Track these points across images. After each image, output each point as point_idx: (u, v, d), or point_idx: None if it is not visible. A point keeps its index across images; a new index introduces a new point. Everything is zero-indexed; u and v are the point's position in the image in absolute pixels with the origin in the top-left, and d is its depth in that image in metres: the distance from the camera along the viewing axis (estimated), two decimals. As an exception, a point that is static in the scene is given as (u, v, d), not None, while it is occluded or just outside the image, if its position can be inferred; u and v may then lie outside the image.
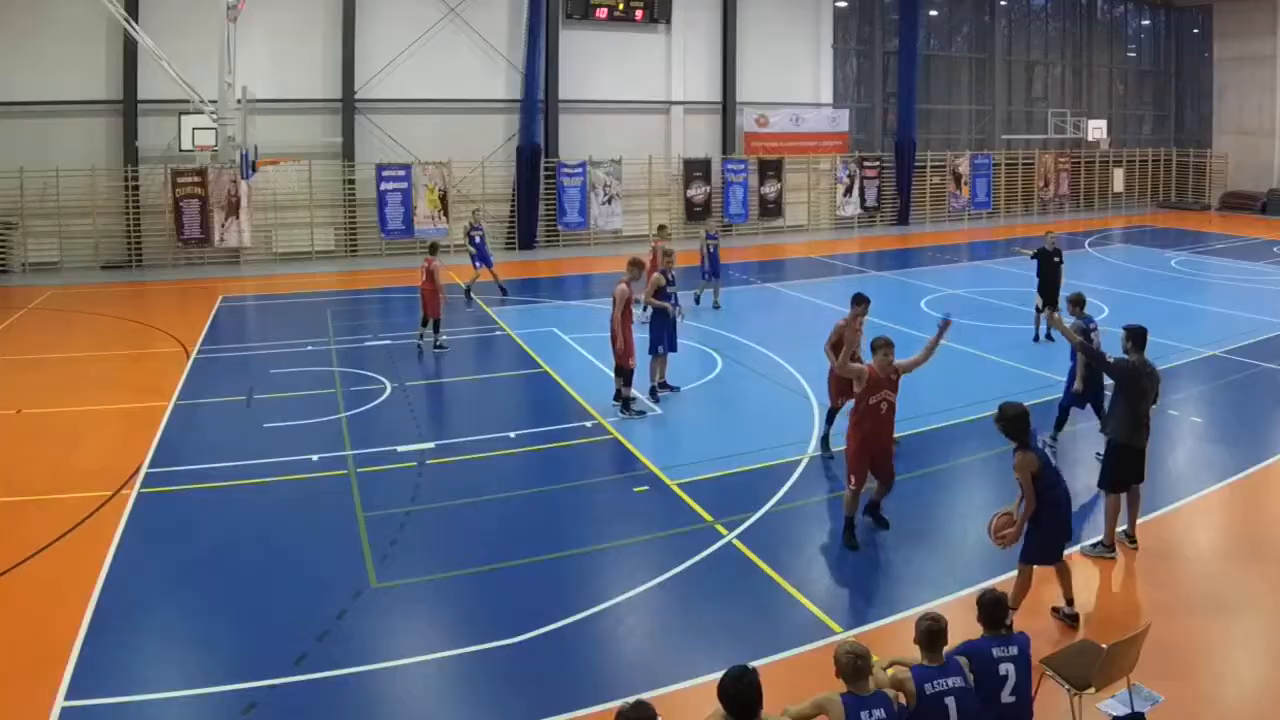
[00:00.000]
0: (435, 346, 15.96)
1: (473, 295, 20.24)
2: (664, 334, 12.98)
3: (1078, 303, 11.01)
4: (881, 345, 8.57)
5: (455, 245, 27.42)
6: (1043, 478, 6.96)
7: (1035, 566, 7.18)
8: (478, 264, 20.24)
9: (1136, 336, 8.47)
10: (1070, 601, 7.35)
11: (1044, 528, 7.04)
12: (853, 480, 8.54)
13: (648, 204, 29.97)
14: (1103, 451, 8.58)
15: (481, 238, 20.45)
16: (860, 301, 10.57)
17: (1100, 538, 8.35)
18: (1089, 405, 10.69)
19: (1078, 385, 10.61)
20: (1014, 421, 7.03)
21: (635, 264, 12.70)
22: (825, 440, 10.94)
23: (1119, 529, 8.43)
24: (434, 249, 16.64)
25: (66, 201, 23.73)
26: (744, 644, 6.94)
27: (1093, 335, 10.56)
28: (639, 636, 7.35)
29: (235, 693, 6.41)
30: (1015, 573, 7.22)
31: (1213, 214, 37.09)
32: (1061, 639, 6.85)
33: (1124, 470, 8.29)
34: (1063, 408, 10.99)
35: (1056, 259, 15.55)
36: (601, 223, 29.20)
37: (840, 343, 9.71)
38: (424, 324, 16.22)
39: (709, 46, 30.88)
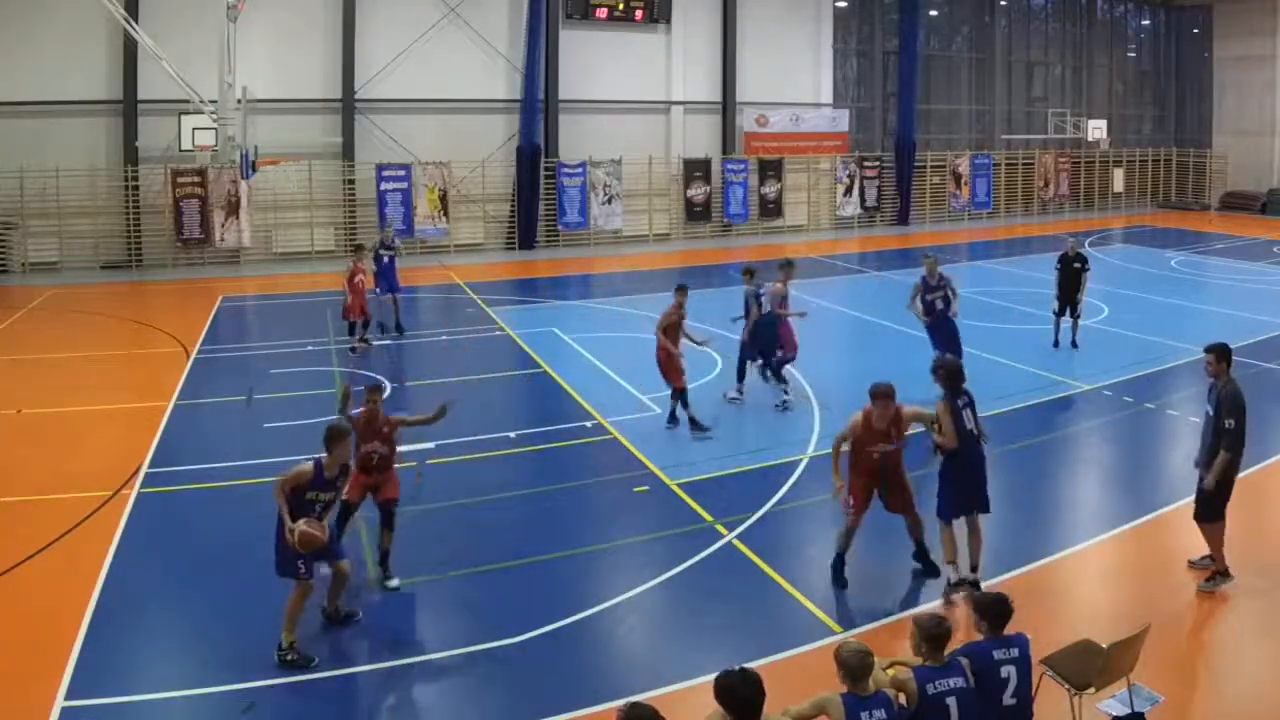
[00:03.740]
0: (360, 340, 15.87)
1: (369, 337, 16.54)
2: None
3: (749, 273, 12.65)
4: (881, 395, 7.65)
5: (454, 247, 27.51)
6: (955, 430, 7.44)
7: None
8: (379, 289, 16.91)
9: (1229, 356, 7.75)
10: (975, 568, 7.62)
11: (954, 484, 7.55)
12: (850, 508, 7.80)
13: (648, 204, 29.96)
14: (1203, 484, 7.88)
15: (391, 259, 17.12)
16: (681, 290, 11.77)
17: (1214, 566, 7.83)
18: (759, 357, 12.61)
19: (745, 336, 12.60)
20: (950, 372, 7.65)
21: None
22: (692, 420, 11.68)
23: (1198, 556, 8.10)
24: (358, 250, 16.53)
25: (66, 201, 23.71)
26: (744, 644, 6.94)
27: (762, 299, 12.38)
28: (640, 636, 7.36)
29: (235, 692, 6.41)
30: (1014, 574, 7.25)
31: (1212, 214, 37.06)
32: (1061, 639, 6.84)
33: (1226, 496, 7.83)
34: (740, 361, 12.82)
35: (1077, 265, 15.42)
36: (602, 222, 29.20)
37: (669, 327, 11.55)
38: (352, 329, 15.98)
39: (709, 46, 30.87)
